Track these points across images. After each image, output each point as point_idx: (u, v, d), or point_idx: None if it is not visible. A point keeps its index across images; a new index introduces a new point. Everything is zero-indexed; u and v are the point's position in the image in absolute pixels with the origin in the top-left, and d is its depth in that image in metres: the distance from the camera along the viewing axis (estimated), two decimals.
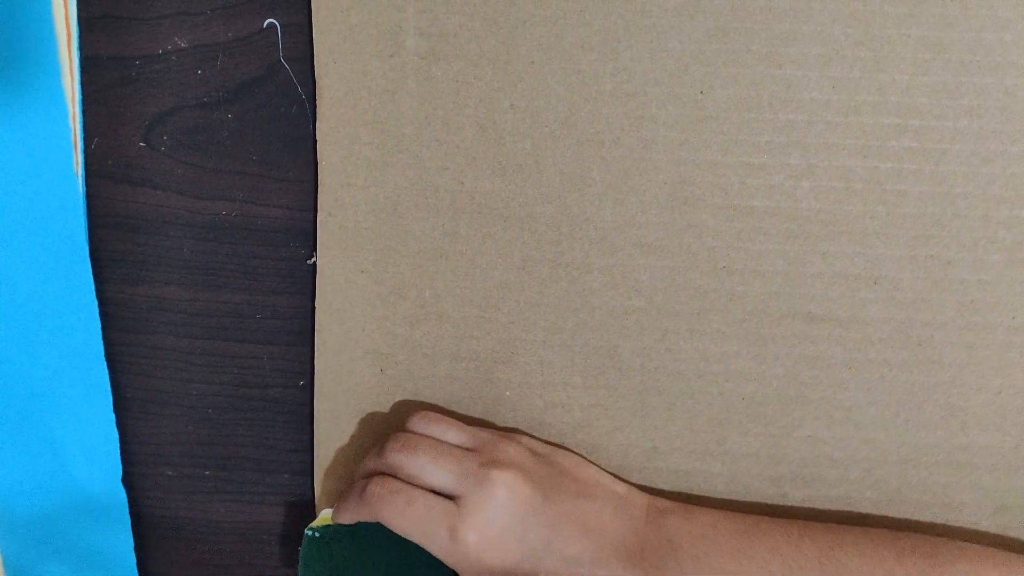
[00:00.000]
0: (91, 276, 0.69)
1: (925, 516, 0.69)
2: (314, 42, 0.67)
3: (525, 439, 0.69)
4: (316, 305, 0.69)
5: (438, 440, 0.66)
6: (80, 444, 0.71)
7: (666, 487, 0.71)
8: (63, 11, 0.67)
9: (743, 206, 0.67)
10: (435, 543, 0.63)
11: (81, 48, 0.68)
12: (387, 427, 0.71)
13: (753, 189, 0.67)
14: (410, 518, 0.63)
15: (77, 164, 0.69)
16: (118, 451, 0.71)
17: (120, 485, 0.71)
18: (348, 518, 0.66)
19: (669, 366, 0.69)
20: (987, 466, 0.69)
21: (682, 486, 0.71)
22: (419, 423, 0.67)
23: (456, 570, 0.64)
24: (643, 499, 0.68)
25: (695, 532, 0.65)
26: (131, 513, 0.72)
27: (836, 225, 0.67)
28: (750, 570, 0.63)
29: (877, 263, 0.67)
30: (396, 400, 0.71)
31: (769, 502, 0.70)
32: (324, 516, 0.69)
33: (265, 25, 0.68)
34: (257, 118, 0.69)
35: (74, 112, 0.68)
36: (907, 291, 0.67)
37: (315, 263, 0.69)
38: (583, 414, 0.70)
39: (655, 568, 0.64)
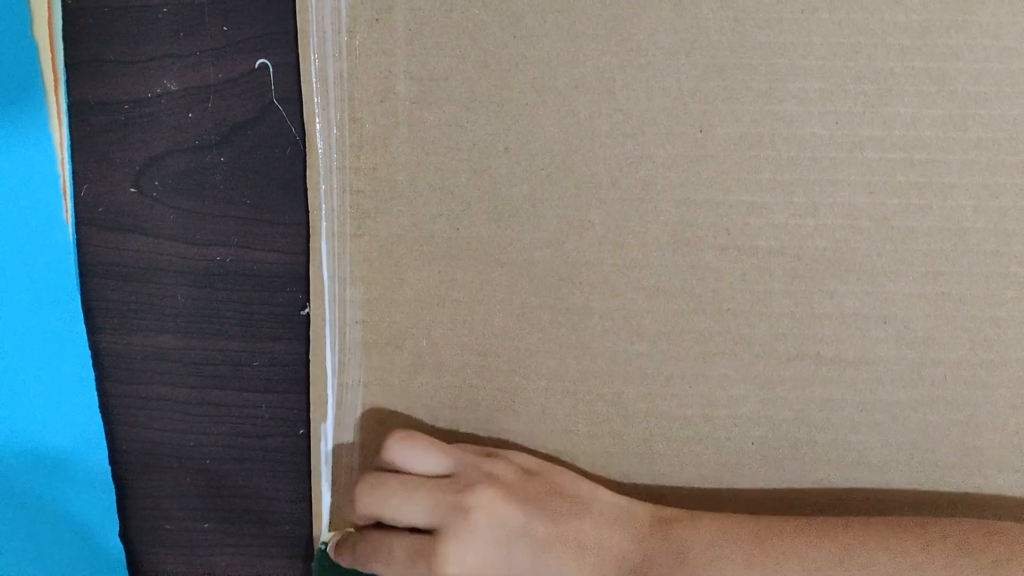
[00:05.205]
0: (83, 326, 0.69)
1: None
2: (302, 89, 0.66)
3: (516, 455, 0.66)
4: (310, 357, 0.69)
5: (409, 474, 0.64)
6: (77, 499, 0.70)
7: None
8: (49, 56, 0.67)
9: (747, 246, 0.66)
10: None
11: (68, 93, 0.68)
12: None
13: (756, 229, 0.66)
14: (394, 568, 0.62)
15: (67, 212, 0.68)
16: (115, 505, 0.70)
17: (118, 540, 0.71)
18: (347, 565, 0.66)
19: (675, 411, 0.68)
20: (1005, 507, 0.68)
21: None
22: (395, 450, 0.64)
23: None
24: (646, 510, 0.64)
25: (704, 540, 0.61)
26: (129, 569, 0.72)
27: (843, 264, 0.66)
28: (766, 575, 0.60)
29: (887, 302, 0.66)
30: None
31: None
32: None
33: (257, 66, 0.68)
34: (251, 160, 0.68)
35: (63, 159, 0.68)
36: (918, 330, 0.66)
37: (308, 313, 0.69)
38: (588, 463, 0.69)
39: None
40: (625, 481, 0.69)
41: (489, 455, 0.65)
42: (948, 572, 0.58)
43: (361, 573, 0.65)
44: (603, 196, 0.66)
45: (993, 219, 0.65)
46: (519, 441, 0.69)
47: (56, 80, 0.67)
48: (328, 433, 0.70)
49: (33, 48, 0.66)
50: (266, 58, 0.67)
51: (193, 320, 0.70)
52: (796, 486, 0.68)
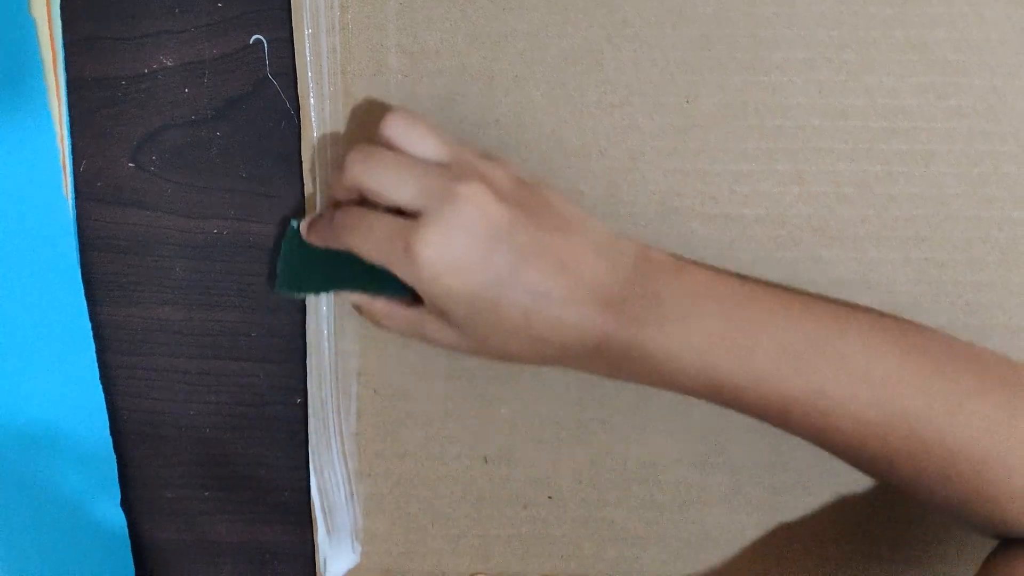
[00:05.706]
0: (84, 299, 0.69)
1: (924, 520, 0.69)
2: (296, 63, 0.67)
3: (513, 165, 0.63)
4: (307, 327, 0.69)
5: (403, 153, 0.61)
6: (78, 468, 0.70)
7: (667, 498, 0.70)
8: (48, 33, 0.67)
9: (733, 214, 0.66)
10: (394, 263, 0.58)
11: (67, 70, 0.68)
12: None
13: (743, 197, 0.66)
14: (371, 243, 0.59)
15: (66, 187, 0.68)
16: (116, 474, 0.71)
17: (119, 509, 0.71)
18: (319, 241, 0.64)
19: None
20: None
21: (683, 498, 0.70)
22: (393, 127, 0.61)
23: (417, 291, 0.59)
24: (632, 246, 0.62)
25: (684, 289, 0.60)
26: (131, 537, 0.72)
27: (827, 230, 0.66)
28: (737, 340, 0.59)
29: (870, 267, 0.66)
30: (389, 420, 0.70)
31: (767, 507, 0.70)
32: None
33: (251, 41, 0.68)
34: (246, 134, 0.68)
35: (62, 135, 0.68)
36: (901, 295, 0.66)
37: None
38: (581, 429, 0.69)
39: (634, 320, 0.59)
40: (616, 446, 0.69)
41: (486, 157, 0.62)
42: (917, 390, 0.58)
43: (330, 256, 0.64)
44: (592, 166, 0.66)
45: (974, 185, 0.65)
46: (511, 408, 0.69)
47: (54, 57, 0.67)
48: (327, 401, 0.70)
49: (32, 26, 0.67)
50: (260, 33, 0.67)
51: (191, 292, 0.70)
52: (783, 449, 0.68)
